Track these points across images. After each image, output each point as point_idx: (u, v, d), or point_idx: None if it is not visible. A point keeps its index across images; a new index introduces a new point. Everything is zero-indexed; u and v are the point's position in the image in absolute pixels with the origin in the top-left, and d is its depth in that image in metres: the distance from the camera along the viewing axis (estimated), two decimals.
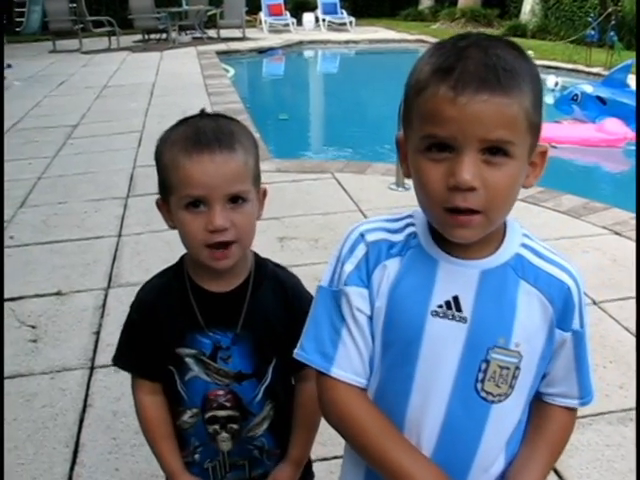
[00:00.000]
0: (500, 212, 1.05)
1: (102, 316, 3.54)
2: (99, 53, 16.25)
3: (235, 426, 1.46)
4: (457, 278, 1.10)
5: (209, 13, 19.00)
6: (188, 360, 1.42)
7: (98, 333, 3.36)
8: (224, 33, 18.31)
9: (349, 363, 1.14)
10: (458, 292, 1.09)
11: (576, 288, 1.14)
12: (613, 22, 12.61)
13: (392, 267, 1.12)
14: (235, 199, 1.32)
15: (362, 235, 1.15)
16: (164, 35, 18.11)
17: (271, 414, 1.48)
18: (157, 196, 1.43)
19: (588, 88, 9.13)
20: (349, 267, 1.14)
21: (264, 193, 1.45)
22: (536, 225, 4.54)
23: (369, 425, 1.13)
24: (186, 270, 1.44)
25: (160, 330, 1.43)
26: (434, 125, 0.99)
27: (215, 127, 1.32)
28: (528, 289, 1.10)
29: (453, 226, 1.02)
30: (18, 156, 6.88)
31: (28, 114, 9.19)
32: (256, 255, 1.51)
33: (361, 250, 1.14)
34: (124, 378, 1.57)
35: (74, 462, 2.50)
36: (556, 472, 2.36)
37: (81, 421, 2.72)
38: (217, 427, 1.44)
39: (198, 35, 18.51)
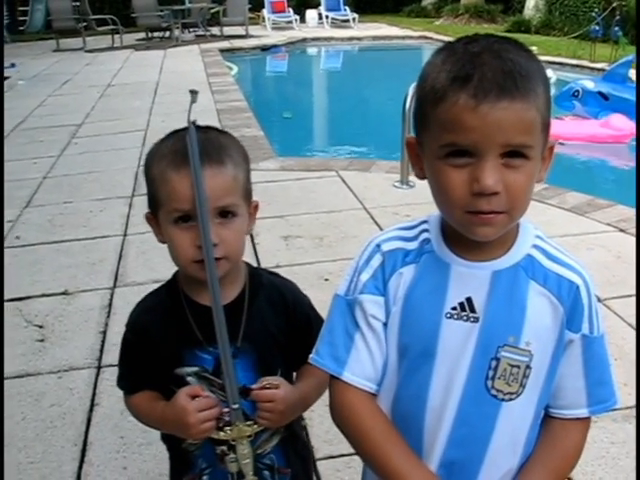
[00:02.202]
0: (521, 210, 1.07)
1: (108, 315, 3.56)
2: (103, 52, 16.28)
3: None
4: (469, 280, 1.12)
5: (212, 11, 19.02)
6: (190, 379, 1.38)
7: (104, 332, 3.38)
8: (227, 31, 18.32)
9: (360, 368, 1.16)
10: (471, 293, 1.12)
11: (585, 289, 1.15)
12: (617, 17, 12.59)
13: (407, 274, 1.15)
14: (224, 214, 1.30)
15: (378, 245, 1.18)
16: (167, 33, 18.14)
17: (281, 429, 1.44)
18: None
19: (589, 84, 9.12)
20: (365, 276, 1.16)
21: (255, 207, 1.42)
22: (541, 222, 4.51)
23: (373, 430, 1.15)
24: (180, 287, 1.41)
25: (156, 351, 1.39)
26: (456, 134, 1.00)
27: (204, 140, 1.29)
28: (538, 289, 1.12)
29: (476, 225, 1.05)
30: (23, 156, 6.91)
31: (32, 113, 9.21)
32: (249, 265, 1.49)
33: (377, 260, 1.16)
34: None
35: (82, 461, 2.52)
36: None
37: (89, 420, 2.74)
38: (225, 448, 1.38)
39: (201, 33, 18.53)
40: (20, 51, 16.72)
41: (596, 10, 14.60)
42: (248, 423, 1.35)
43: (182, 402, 1.32)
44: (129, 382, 1.49)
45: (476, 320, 1.11)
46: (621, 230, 4.46)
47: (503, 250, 1.13)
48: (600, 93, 8.90)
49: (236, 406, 1.31)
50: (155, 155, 1.34)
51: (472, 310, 1.11)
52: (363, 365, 1.16)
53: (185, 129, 1.34)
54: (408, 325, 1.14)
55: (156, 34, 18.51)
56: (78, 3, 17.58)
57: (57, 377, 3.04)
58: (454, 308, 1.12)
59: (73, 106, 9.56)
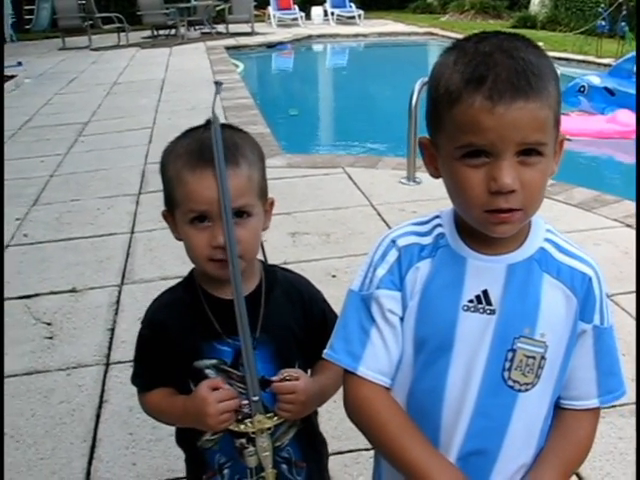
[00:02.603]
0: (536, 206, 1.10)
1: (116, 312, 3.57)
2: (108, 50, 16.32)
3: None
4: (485, 273, 1.14)
5: (218, 8, 19.03)
6: (208, 372, 1.39)
7: (113, 330, 3.40)
8: (233, 28, 18.34)
9: (376, 362, 1.17)
10: (487, 286, 1.14)
11: (597, 280, 1.17)
12: (624, 12, 12.55)
13: (424, 268, 1.16)
14: (240, 214, 1.31)
15: (393, 241, 1.19)
16: (173, 31, 18.18)
17: (297, 422, 1.45)
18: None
19: (595, 79, 9.09)
20: (381, 272, 1.17)
21: (271, 204, 1.44)
22: (548, 218, 4.47)
23: (389, 422, 1.16)
24: (198, 283, 1.43)
25: (174, 346, 1.40)
26: (473, 135, 1.02)
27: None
28: (551, 282, 1.14)
29: (495, 224, 1.07)
30: (30, 154, 6.94)
31: (39, 112, 9.24)
32: (263, 262, 1.51)
33: (393, 255, 1.18)
34: None
35: (92, 457, 2.53)
36: None
37: (98, 417, 2.76)
38: (243, 441, 1.39)
39: (207, 30, 18.55)
40: (26, 50, 16.77)
41: (602, 5, 14.57)
42: (268, 415, 1.36)
43: (203, 393, 1.33)
44: (145, 379, 1.50)
45: (492, 312, 1.13)
46: (628, 225, 4.46)
47: (517, 244, 1.15)
48: (606, 88, 8.87)
49: (256, 398, 1.32)
50: (171, 154, 1.36)
51: (488, 303, 1.13)
52: (378, 360, 1.17)
53: (200, 127, 1.36)
54: (425, 319, 1.16)
55: (162, 32, 18.54)
56: (84, 1, 17.60)
57: (66, 374, 3.05)
58: (471, 301, 1.14)
59: (79, 104, 9.59)
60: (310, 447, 1.49)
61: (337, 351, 1.19)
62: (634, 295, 3.52)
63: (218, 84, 1.39)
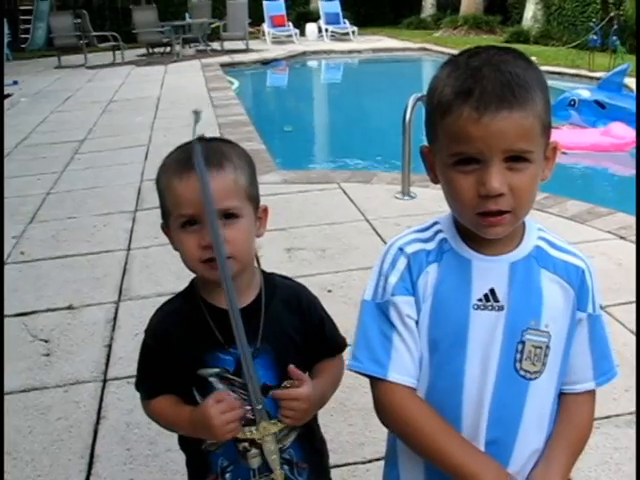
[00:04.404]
0: (525, 209, 1.17)
1: (113, 329, 3.58)
2: (104, 68, 16.38)
3: None
4: (490, 272, 1.22)
5: (212, 26, 19.11)
6: (212, 379, 1.42)
7: (110, 346, 3.41)
8: (227, 45, 18.44)
9: (403, 366, 1.23)
10: (493, 285, 1.21)
11: (589, 272, 1.27)
12: (615, 26, 12.66)
13: (432, 272, 1.23)
14: (227, 215, 1.34)
15: (401, 249, 1.25)
16: (168, 48, 18.25)
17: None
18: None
19: (585, 93, 9.17)
20: (394, 279, 1.23)
21: (265, 211, 1.47)
22: None
23: (427, 426, 1.21)
24: (198, 292, 1.46)
25: (177, 356, 1.43)
26: (462, 144, 1.11)
27: (207, 149, 1.34)
28: (549, 276, 1.23)
29: (486, 227, 1.15)
30: (27, 172, 6.96)
31: (35, 130, 9.28)
32: (262, 271, 1.53)
33: (402, 263, 1.24)
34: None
35: (89, 473, 2.53)
36: None
37: (95, 433, 2.76)
38: (246, 444, 1.41)
39: (202, 48, 18.64)
40: (22, 68, 16.83)
41: (594, 20, 14.70)
42: (272, 422, 1.39)
43: (207, 407, 1.36)
44: (149, 386, 1.52)
45: (501, 309, 1.21)
46: (621, 237, 4.48)
47: (515, 243, 1.24)
48: (597, 102, 8.94)
49: (260, 406, 1.35)
50: (162, 167, 1.41)
51: (496, 300, 1.21)
52: (405, 363, 1.23)
53: (191, 141, 1.39)
54: (438, 320, 1.22)
55: (157, 50, 18.63)
56: (79, 20, 17.71)
57: (63, 391, 3.06)
58: (480, 300, 1.21)
59: (75, 122, 9.63)
60: (311, 448, 1.52)
61: (362, 361, 1.24)
62: (628, 306, 3.54)
63: (197, 113, 1.42)
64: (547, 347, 1.22)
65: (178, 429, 1.52)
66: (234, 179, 1.36)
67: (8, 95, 11.96)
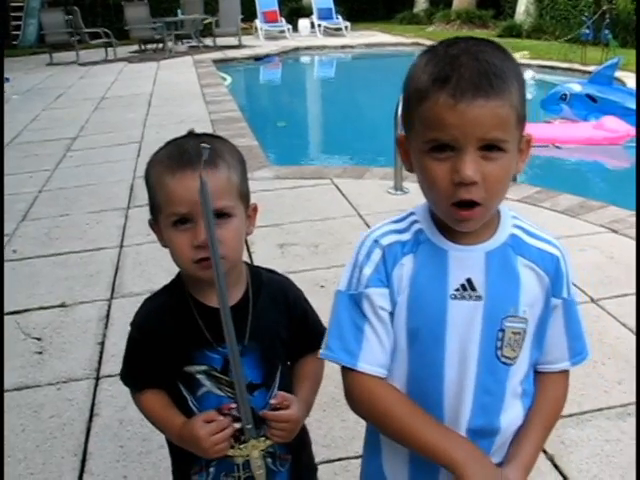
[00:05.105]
0: (497, 200, 1.18)
1: (106, 327, 3.58)
2: (96, 64, 16.32)
3: None
4: (467, 262, 1.22)
5: (205, 22, 19.07)
6: (199, 376, 1.43)
7: (102, 343, 3.40)
8: (220, 41, 18.39)
9: (373, 357, 1.23)
10: (470, 274, 1.22)
11: (563, 259, 1.28)
12: (607, 20, 12.68)
13: (408, 264, 1.23)
14: (220, 215, 1.33)
15: (376, 241, 1.25)
16: (160, 45, 18.19)
17: None
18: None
19: (576, 87, 9.18)
20: (368, 271, 1.24)
21: (254, 209, 1.47)
22: None
23: (398, 410, 1.23)
24: (186, 289, 1.45)
25: (164, 351, 1.43)
26: (437, 131, 1.11)
27: (197, 146, 1.31)
28: (525, 263, 1.25)
29: (459, 220, 1.16)
30: (19, 170, 6.93)
31: (27, 127, 9.25)
32: (248, 265, 1.53)
33: (377, 254, 1.24)
34: None
35: (82, 471, 2.53)
36: (556, 467, 2.40)
37: (88, 430, 2.76)
38: (232, 440, 1.41)
39: (194, 44, 18.60)
40: (13, 65, 16.74)
41: (586, 14, 14.72)
42: (261, 439, 1.40)
43: (197, 428, 1.37)
44: (134, 380, 1.53)
45: (479, 298, 1.21)
46: (613, 231, 4.50)
47: (491, 232, 1.24)
48: (588, 95, 8.95)
49: (250, 426, 1.36)
50: (152, 162, 1.40)
51: (473, 289, 1.21)
52: (375, 353, 1.23)
53: (181, 137, 1.41)
54: (416, 311, 1.22)
55: (149, 46, 18.57)
56: (71, 17, 17.62)
57: (56, 389, 3.05)
58: (457, 289, 1.21)
59: (67, 119, 9.60)
60: (295, 439, 1.50)
61: (334, 350, 1.24)
62: (620, 299, 3.56)
63: (206, 148, 1.27)
64: (525, 332, 1.25)
65: (166, 435, 1.53)
66: (227, 178, 1.35)
67: None
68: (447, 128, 1.09)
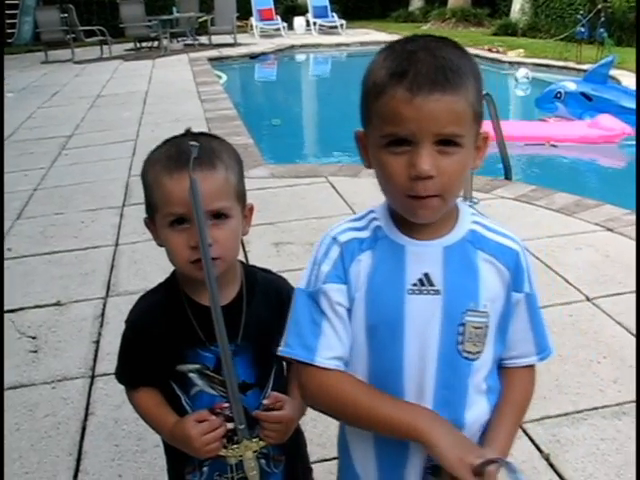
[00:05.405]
0: (454, 193, 1.19)
1: (101, 325, 3.57)
2: (91, 62, 16.27)
3: None
4: (424, 257, 1.22)
5: (200, 20, 19.04)
6: (192, 375, 1.43)
7: (98, 342, 3.40)
8: (215, 39, 18.34)
9: (330, 351, 1.23)
10: (427, 269, 1.22)
11: (522, 254, 1.29)
12: (603, 19, 12.67)
13: (366, 260, 1.24)
14: (217, 215, 1.34)
15: (334, 238, 1.27)
16: (156, 43, 18.14)
17: None
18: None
19: (571, 85, 9.19)
20: (326, 267, 1.24)
21: (250, 209, 1.47)
22: (529, 224, 4.58)
23: (357, 395, 1.23)
24: (181, 287, 1.45)
25: (157, 349, 1.43)
26: (394, 125, 1.11)
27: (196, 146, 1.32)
28: (485, 257, 1.25)
29: (416, 207, 1.16)
30: (14, 168, 6.91)
31: (22, 125, 9.22)
32: (243, 264, 1.53)
33: (335, 251, 1.25)
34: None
35: (77, 470, 2.53)
36: (552, 466, 2.40)
37: (83, 429, 2.75)
38: (224, 440, 1.41)
39: (190, 42, 18.56)
40: (9, 63, 16.65)
41: (581, 12, 14.71)
42: (254, 440, 1.40)
43: (188, 428, 1.38)
44: (128, 377, 1.54)
45: (437, 292, 1.21)
46: (609, 229, 4.50)
47: (448, 228, 1.24)
48: (583, 94, 8.96)
49: (242, 426, 1.36)
50: (150, 161, 1.39)
51: (431, 284, 1.21)
52: (332, 348, 1.23)
53: (179, 136, 1.41)
54: (374, 307, 1.22)
55: (145, 44, 18.51)
56: (66, 15, 17.57)
57: (51, 387, 3.05)
58: (414, 284, 1.21)
59: (62, 118, 9.58)
60: (288, 440, 1.50)
61: (292, 346, 1.25)
62: (615, 298, 3.56)
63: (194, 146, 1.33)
64: (487, 327, 1.24)
65: (159, 434, 1.53)
66: (225, 178, 1.35)
67: None
68: (404, 122, 1.10)
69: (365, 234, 1.25)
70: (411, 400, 1.23)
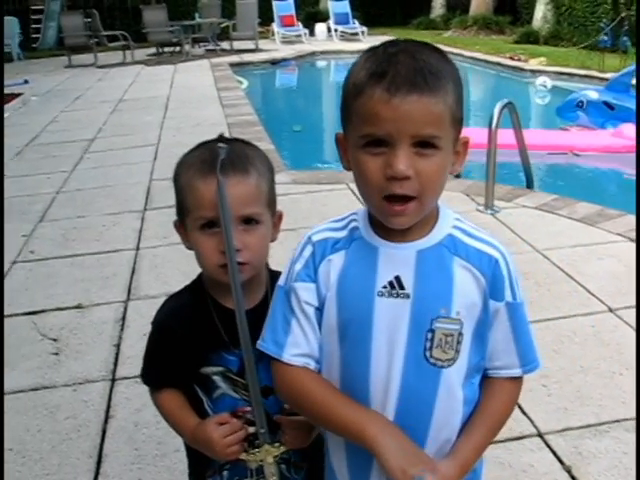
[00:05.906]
0: (431, 197, 1.18)
1: (122, 329, 3.59)
2: (114, 67, 16.42)
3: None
4: (396, 260, 1.22)
5: (222, 25, 19.15)
6: (215, 378, 1.44)
7: (118, 345, 3.41)
8: (237, 45, 18.46)
9: (297, 348, 1.26)
10: (399, 272, 1.22)
11: (504, 261, 1.26)
12: (626, 27, 12.61)
13: (338, 260, 1.25)
14: (248, 221, 1.36)
15: (309, 238, 1.29)
16: (178, 48, 18.26)
17: None
18: (174, 212, 1.48)
19: (593, 94, 9.12)
20: (298, 266, 1.27)
21: (280, 217, 1.49)
22: (551, 233, 4.55)
23: (321, 395, 1.25)
24: (206, 290, 1.46)
25: (182, 351, 1.44)
26: (372, 125, 1.12)
27: (230, 151, 1.35)
28: (461, 263, 1.23)
29: (390, 214, 1.16)
30: (37, 171, 6.98)
31: (45, 129, 9.31)
32: (268, 268, 1.54)
33: (308, 250, 1.28)
34: (145, 390, 1.61)
35: (97, 473, 2.54)
36: (573, 479, 2.38)
37: (104, 432, 2.77)
38: (245, 444, 1.42)
39: (211, 47, 18.67)
40: (33, 67, 16.89)
41: (604, 20, 14.64)
42: (275, 445, 1.40)
43: (210, 430, 1.39)
44: (154, 378, 1.54)
45: (407, 296, 1.21)
46: (631, 240, 4.45)
47: (425, 232, 1.24)
48: (605, 103, 8.89)
49: (263, 430, 1.37)
50: (183, 164, 1.41)
51: (401, 287, 1.21)
52: (299, 346, 1.26)
53: (212, 140, 1.42)
54: (344, 307, 1.23)
55: (167, 49, 18.64)
56: (90, 20, 17.76)
57: (72, 390, 3.07)
58: (384, 287, 1.22)
59: (85, 121, 9.66)
60: (310, 447, 1.50)
61: (266, 341, 1.28)
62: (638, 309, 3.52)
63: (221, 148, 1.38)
64: (460, 334, 1.22)
65: (181, 435, 1.54)
66: (257, 185, 1.37)
67: (19, 94, 12.00)
68: (381, 123, 1.10)
69: (341, 234, 1.27)
70: (376, 404, 1.23)
